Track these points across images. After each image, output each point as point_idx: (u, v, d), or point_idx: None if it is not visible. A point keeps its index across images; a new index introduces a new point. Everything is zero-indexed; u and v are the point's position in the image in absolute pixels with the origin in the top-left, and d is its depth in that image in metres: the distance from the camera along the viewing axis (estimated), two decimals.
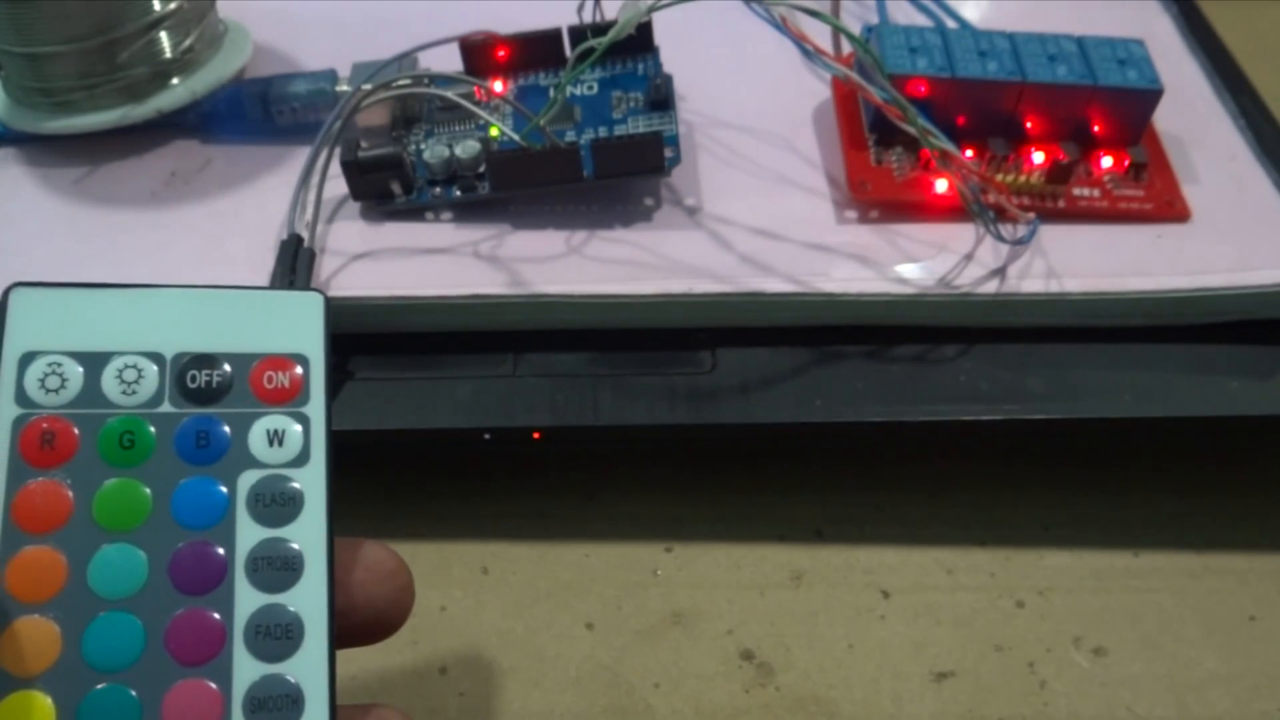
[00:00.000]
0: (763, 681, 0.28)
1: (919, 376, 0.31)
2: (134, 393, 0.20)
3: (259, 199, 0.34)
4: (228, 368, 0.21)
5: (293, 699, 0.19)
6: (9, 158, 0.36)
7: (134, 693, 0.19)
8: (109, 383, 0.20)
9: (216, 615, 0.19)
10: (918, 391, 0.31)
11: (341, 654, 0.20)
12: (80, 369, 0.20)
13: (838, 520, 0.32)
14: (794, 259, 0.32)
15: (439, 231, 0.33)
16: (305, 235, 0.32)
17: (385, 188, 0.33)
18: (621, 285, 0.31)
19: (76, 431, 0.20)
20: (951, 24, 0.39)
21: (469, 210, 0.33)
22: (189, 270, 0.32)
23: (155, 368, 0.21)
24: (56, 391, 0.20)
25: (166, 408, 0.20)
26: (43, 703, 0.18)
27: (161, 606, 0.19)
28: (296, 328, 0.21)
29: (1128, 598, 0.30)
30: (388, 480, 0.33)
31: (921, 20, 0.40)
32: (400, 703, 0.28)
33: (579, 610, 0.30)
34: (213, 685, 0.19)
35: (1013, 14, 0.40)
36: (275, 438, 0.21)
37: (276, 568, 0.20)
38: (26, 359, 0.20)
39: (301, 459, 0.21)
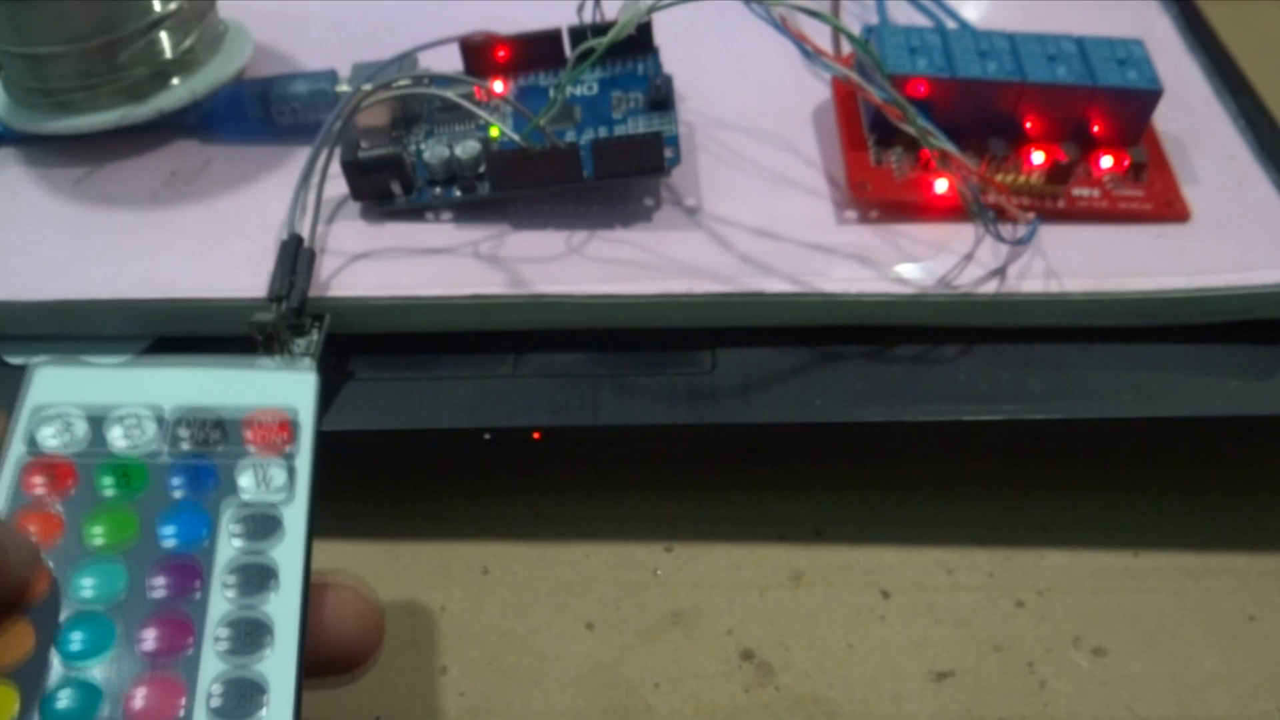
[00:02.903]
0: (763, 681, 0.28)
1: (919, 376, 0.31)
2: (134, 441, 0.23)
3: (259, 199, 0.34)
4: (222, 419, 0.23)
5: (259, 689, 0.20)
6: (9, 158, 0.36)
7: (99, 684, 0.19)
8: (112, 433, 0.23)
9: (189, 618, 0.20)
10: (918, 391, 0.31)
11: None
12: (86, 423, 0.23)
13: (838, 520, 0.32)
14: (794, 259, 0.32)
15: (439, 231, 0.33)
16: (305, 235, 0.32)
17: (385, 188, 0.33)
18: (621, 285, 0.31)
19: (77, 470, 0.22)
20: (951, 24, 0.39)
21: (469, 210, 0.33)
22: (189, 270, 0.32)
23: (155, 421, 0.23)
24: (64, 440, 0.22)
25: (163, 452, 0.22)
26: (8, 692, 0.19)
27: (136, 611, 0.20)
28: (290, 392, 0.23)
29: (1127, 598, 0.30)
30: (388, 480, 0.33)
31: (921, 20, 0.40)
32: (400, 703, 0.28)
33: (579, 610, 0.30)
34: (178, 680, 0.20)
35: (1012, 14, 0.40)
36: (262, 479, 0.22)
37: (252, 577, 0.21)
38: (38, 411, 0.23)
39: (286, 499, 0.22)
